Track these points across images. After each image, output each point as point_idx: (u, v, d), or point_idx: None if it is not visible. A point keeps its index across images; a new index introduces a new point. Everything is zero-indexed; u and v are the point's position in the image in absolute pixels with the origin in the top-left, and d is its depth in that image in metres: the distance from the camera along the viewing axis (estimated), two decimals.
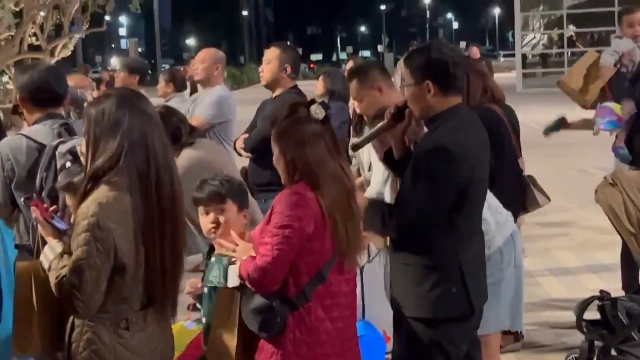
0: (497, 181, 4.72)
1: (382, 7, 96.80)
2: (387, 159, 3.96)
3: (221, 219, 3.98)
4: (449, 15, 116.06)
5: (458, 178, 3.65)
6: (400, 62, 4.55)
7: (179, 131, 5.01)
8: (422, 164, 3.64)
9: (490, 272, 4.14)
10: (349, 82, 4.78)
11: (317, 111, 3.52)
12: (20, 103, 4.54)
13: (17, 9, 18.68)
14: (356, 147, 4.16)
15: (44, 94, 4.46)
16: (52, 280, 3.04)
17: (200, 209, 4.04)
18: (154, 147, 3.10)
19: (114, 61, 56.56)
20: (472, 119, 3.89)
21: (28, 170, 4.27)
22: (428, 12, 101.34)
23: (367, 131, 4.05)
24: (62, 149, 4.25)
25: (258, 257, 3.44)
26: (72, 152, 4.20)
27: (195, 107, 6.94)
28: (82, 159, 3.16)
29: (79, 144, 4.35)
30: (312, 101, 3.59)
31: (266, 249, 3.41)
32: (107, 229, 2.97)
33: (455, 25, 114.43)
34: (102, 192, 3.01)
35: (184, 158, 4.96)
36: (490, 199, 4.45)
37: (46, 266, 3.11)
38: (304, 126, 3.52)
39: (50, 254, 3.12)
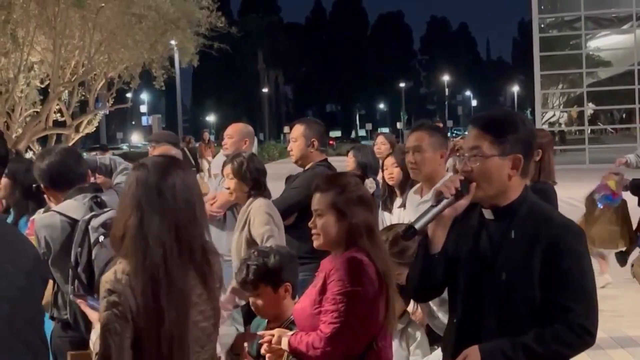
0: None
1: (401, 84, 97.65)
2: (424, 252, 3.15)
3: (258, 302, 4.00)
4: (468, 93, 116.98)
5: None
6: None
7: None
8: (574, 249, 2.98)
9: None
10: (417, 131, 4.74)
11: (370, 185, 3.56)
12: (46, 190, 4.57)
13: (43, 86, 18.95)
14: (413, 233, 3.05)
15: (67, 177, 4.50)
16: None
17: None
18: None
19: (135, 138, 57.25)
20: None
21: (62, 246, 4.25)
22: (447, 90, 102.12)
23: (425, 211, 3.09)
24: (95, 223, 4.23)
25: (324, 326, 3.35)
26: (105, 225, 4.19)
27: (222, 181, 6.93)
28: None
29: (111, 216, 4.36)
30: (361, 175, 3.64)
31: (332, 317, 3.34)
32: (121, 294, 2.89)
33: (474, 102, 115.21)
34: None
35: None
36: None
37: (91, 345, 3.09)
38: (368, 194, 3.58)
39: (93, 336, 3.08)
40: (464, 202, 3.04)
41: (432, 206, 3.06)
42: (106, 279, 2.92)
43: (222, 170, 5.61)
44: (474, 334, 3.02)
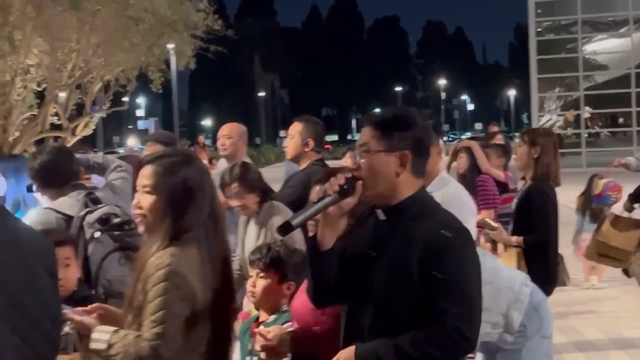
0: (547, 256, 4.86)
1: (398, 88, 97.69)
2: (312, 249, 3.07)
3: (258, 285, 4.04)
4: (464, 97, 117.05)
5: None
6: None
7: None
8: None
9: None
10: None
11: None
12: (39, 189, 4.58)
13: (40, 89, 18.93)
14: (288, 229, 2.94)
15: (60, 176, 4.51)
16: (123, 349, 2.97)
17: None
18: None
19: (131, 142, 57.21)
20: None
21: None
22: (443, 94, 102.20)
23: (305, 207, 3.02)
24: (90, 218, 4.25)
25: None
26: (101, 221, 4.19)
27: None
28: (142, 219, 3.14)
29: (106, 212, 4.36)
30: None
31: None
32: (184, 276, 2.98)
33: (471, 106, 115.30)
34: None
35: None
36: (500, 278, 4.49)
37: (104, 346, 3.02)
38: None
39: (104, 334, 3.04)
40: (350, 201, 2.94)
41: (314, 203, 2.97)
42: (160, 264, 2.97)
43: (221, 186, 5.48)
44: (359, 331, 2.97)
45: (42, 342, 2.86)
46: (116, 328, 3.05)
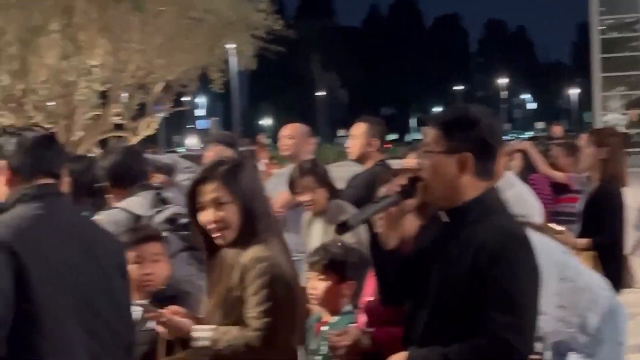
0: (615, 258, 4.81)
1: (457, 87, 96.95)
2: (374, 247, 3.06)
3: (318, 287, 4.05)
4: (525, 96, 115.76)
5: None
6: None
7: None
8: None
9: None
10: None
11: None
12: (110, 189, 4.63)
13: (103, 89, 19.18)
14: (346, 229, 2.93)
15: (130, 176, 4.56)
16: (231, 342, 3.08)
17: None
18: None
19: (191, 141, 57.65)
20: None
21: None
22: (504, 93, 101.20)
23: (364, 208, 3.00)
24: (159, 218, 4.29)
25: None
26: (170, 221, 4.23)
27: (281, 182, 6.92)
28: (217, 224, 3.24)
29: (174, 212, 4.41)
30: None
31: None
32: (282, 267, 3.14)
33: (532, 105, 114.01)
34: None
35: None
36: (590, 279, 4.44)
37: (208, 343, 3.11)
38: None
39: (206, 332, 3.14)
40: (412, 202, 2.92)
41: (374, 203, 2.95)
42: (260, 259, 3.11)
43: (291, 183, 5.50)
44: (415, 334, 2.92)
45: (114, 341, 2.91)
46: (213, 326, 3.15)
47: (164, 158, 5.35)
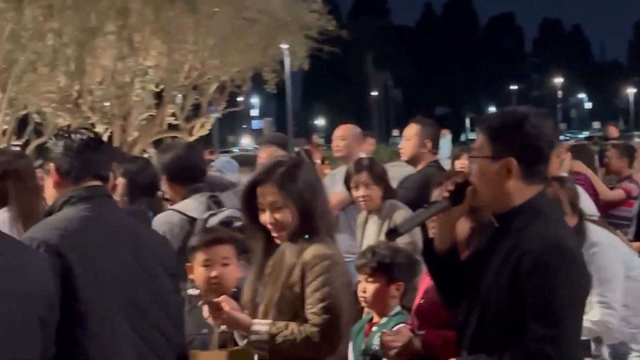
0: None
1: (512, 87, 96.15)
2: (428, 252, 3.04)
3: (367, 289, 4.07)
4: (581, 95, 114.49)
5: None
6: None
7: None
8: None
9: None
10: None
11: None
12: (167, 183, 4.64)
13: (157, 90, 19.35)
14: (396, 235, 2.99)
15: (189, 172, 4.57)
16: (290, 337, 3.11)
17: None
18: None
19: (245, 141, 57.99)
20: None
21: (182, 243, 4.31)
22: (559, 92, 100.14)
23: (414, 214, 3.05)
24: (213, 221, 4.31)
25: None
26: (224, 224, 4.25)
27: (334, 183, 6.91)
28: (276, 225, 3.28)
29: (228, 215, 4.42)
30: None
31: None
32: (342, 265, 3.21)
33: (588, 105, 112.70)
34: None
35: None
36: None
37: (265, 337, 3.14)
38: None
39: (263, 327, 3.17)
40: (461, 208, 2.90)
41: (424, 208, 2.95)
42: (322, 256, 3.16)
43: (347, 179, 5.49)
44: (464, 339, 2.88)
45: (161, 340, 2.91)
46: (269, 320, 3.17)
47: (227, 176, 5.43)
